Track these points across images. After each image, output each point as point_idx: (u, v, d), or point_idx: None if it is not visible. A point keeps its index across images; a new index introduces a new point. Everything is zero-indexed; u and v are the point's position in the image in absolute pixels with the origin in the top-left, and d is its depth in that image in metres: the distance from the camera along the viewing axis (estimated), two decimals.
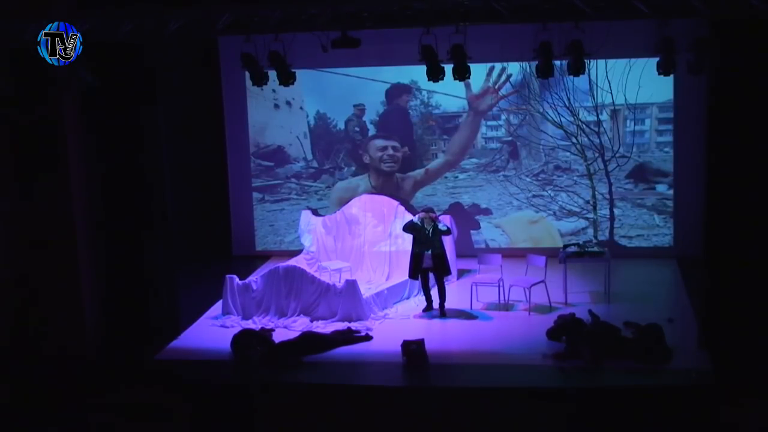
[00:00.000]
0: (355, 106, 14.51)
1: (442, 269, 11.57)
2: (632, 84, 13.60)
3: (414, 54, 9.71)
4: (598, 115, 13.92)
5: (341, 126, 14.65)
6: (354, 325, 11.15)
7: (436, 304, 11.70)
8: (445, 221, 12.40)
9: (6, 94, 10.26)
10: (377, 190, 14.32)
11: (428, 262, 11.53)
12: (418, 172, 14.59)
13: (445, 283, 11.73)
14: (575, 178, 14.19)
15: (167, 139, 11.35)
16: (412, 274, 11.74)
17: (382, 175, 14.61)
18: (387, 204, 13.33)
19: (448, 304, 11.66)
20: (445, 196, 14.52)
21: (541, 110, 14.06)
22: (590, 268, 12.48)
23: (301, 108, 14.67)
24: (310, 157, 14.80)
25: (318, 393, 9.54)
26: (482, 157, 14.43)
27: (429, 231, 11.50)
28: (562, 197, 14.26)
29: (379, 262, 13.06)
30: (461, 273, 13.18)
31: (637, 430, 8.86)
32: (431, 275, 11.67)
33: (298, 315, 11.52)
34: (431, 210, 11.88)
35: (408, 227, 11.72)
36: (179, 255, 11.96)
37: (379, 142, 14.56)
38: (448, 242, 12.23)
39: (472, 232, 14.40)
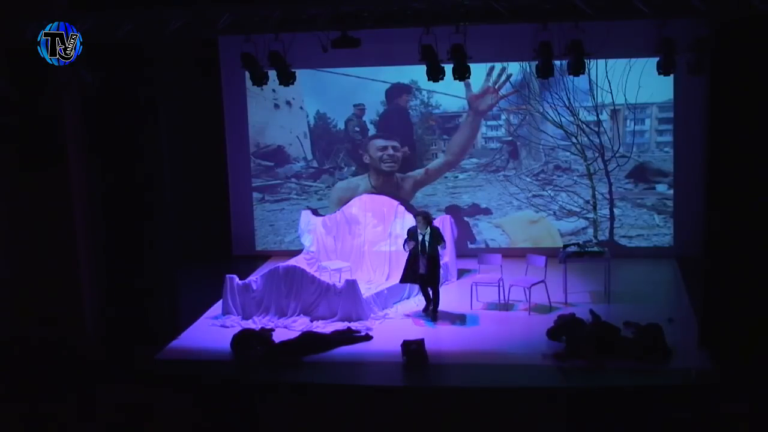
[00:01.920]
0: (355, 106, 14.51)
1: (432, 279, 11.37)
2: (632, 84, 13.60)
3: (414, 54, 9.71)
4: (598, 115, 13.92)
5: (341, 126, 14.65)
6: (354, 325, 11.15)
7: None
8: (445, 221, 12.38)
9: (6, 94, 10.26)
10: (377, 190, 14.32)
11: (423, 268, 11.39)
12: (418, 172, 14.58)
13: (445, 283, 11.70)
14: (575, 178, 14.19)
15: (167, 139, 11.35)
16: (404, 278, 11.56)
17: (382, 175, 14.60)
18: (387, 204, 13.34)
19: (449, 304, 11.65)
20: (445, 196, 14.51)
21: (541, 110, 14.06)
22: (590, 268, 12.48)
23: (301, 108, 14.67)
24: (310, 157, 14.80)
25: (318, 393, 9.54)
26: (482, 157, 14.42)
27: (423, 234, 11.35)
28: (562, 197, 14.26)
29: (379, 262, 13.06)
30: (461, 273, 13.18)
31: (637, 430, 8.85)
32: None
33: (298, 315, 11.51)
34: (422, 213, 11.72)
35: (408, 236, 11.55)
36: (179, 255, 11.96)
37: (379, 142, 14.56)
38: (447, 242, 12.21)
39: (468, 242, 14.35)
